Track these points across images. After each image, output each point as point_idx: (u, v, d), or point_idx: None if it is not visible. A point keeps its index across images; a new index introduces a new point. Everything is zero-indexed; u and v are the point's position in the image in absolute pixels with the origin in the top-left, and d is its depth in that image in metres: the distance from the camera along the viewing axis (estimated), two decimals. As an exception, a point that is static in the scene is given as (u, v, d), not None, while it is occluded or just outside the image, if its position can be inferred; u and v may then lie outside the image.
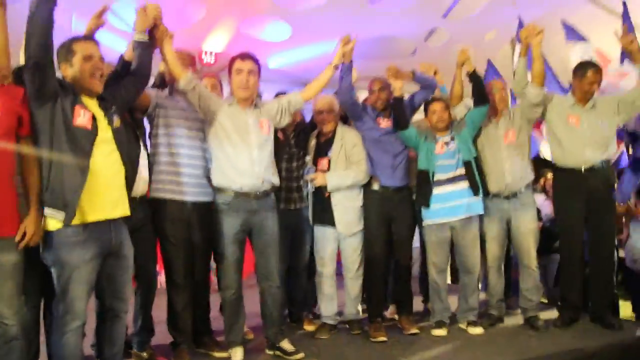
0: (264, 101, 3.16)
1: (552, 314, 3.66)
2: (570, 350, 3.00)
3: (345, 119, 3.68)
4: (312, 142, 3.54)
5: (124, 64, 2.65)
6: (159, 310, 3.29)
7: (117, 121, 2.37)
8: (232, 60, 2.96)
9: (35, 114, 2.18)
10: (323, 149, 3.45)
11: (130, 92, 2.56)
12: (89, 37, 2.40)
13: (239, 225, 2.88)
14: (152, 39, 2.63)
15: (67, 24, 4.79)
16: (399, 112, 3.36)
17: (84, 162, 2.18)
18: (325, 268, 3.42)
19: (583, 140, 3.38)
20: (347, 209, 3.36)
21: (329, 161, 3.38)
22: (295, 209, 3.49)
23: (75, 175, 2.16)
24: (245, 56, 2.95)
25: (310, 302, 3.83)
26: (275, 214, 3.04)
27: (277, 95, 3.72)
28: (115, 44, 5.24)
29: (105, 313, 2.42)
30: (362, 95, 3.75)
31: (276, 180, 3.04)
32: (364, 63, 3.85)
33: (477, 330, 3.38)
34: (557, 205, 3.59)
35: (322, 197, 3.36)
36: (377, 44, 5.71)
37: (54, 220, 2.17)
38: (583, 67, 3.48)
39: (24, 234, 2.11)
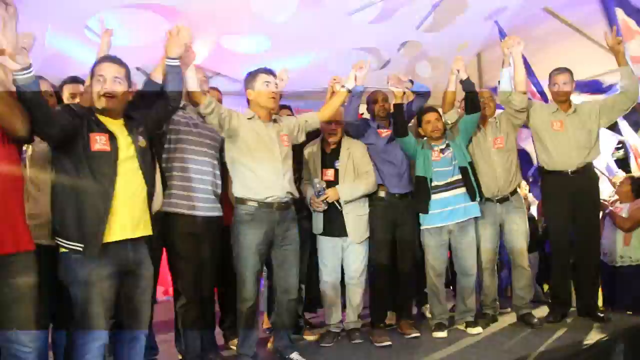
0: (282, 117, 3.20)
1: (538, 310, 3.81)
2: (573, 344, 3.15)
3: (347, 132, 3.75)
4: (312, 153, 3.56)
5: (150, 84, 2.62)
6: (162, 327, 3.24)
7: (142, 141, 2.37)
8: (255, 74, 2.99)
9: (57, 148, 2.22)
10: (329, 159, 3.49)
11: (162, 115, 2.60)
12: (106, 58, 2.38)
13: (262, 236, 2.87)
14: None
15: (41, 38, 4.63)
16: (399, 119, 3.46)
17: (107, 192, 2.17)
18: (330, 277, 3.46)
19: (568, 144, 3.58)
20: (358, 218, 3.42)
21: (336, 172, 3.43)
22: None
23: (97, 209, 2.15)
24: (270, 70, 3.01)
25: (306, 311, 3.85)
26: (296, 226, 3.06)
27: None
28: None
29: (123, 334, 2.36)
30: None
31: (297, 193, 3.09)
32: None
33: (476, 330, 3.48)
34: (546, 207, 3.78)
35: (330, 209, 3.39)
36: (352, 56, 5.77)
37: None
38: (550, 74, 3.75)
39: None
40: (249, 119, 2.96)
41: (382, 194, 3.51)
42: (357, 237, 3.42)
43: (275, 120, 3.06)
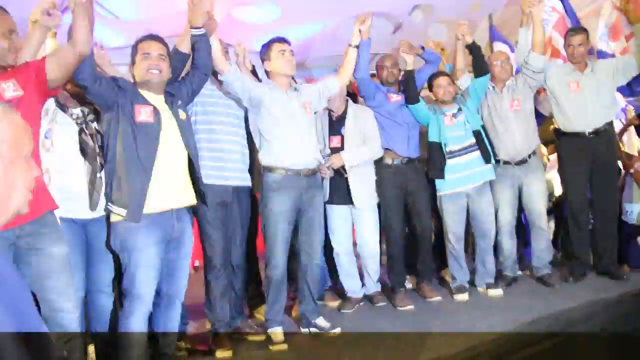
0: (302, 86, 3.21)
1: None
2: (591, 302, 3.21)
3: (353, 98, 3.74)
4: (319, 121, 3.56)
5: (179, 55, 2.67)
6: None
7: (182, 114, 2.46)
8: (270, 45, 3.01)
9: (104, 117, 2.35)
10: (335, 126, 3.50)
11: (196, 84, 2.65)
12: (150, 36, 2.45)
13: (290, 203, 2.92)
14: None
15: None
16: (410, 85, 3.45)
17: (149, 162, 2.27)
18: (342, 246, 3.50)
19: (585, 104, 3.55)
20: (362, 184, 3.43)
21: (342, 139, 3.44)
22: None
23: (140, 177, 2.27)
24: (283, 39, 3.03)
25: (330, 279, 3.91)
26: (322, 193, 3.12)
27: None
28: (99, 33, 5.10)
29: (160, 299, 2.46)
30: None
31: (322, 159, 3.13)
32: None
33: (497, 292, 3.54)
34: (564, 168, 3.77)
35: (337, 177, 3.40)
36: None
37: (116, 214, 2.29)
38: (565, 35, 3.72)
39: None
40: (270, 89, 2.99)
41: (388, 160, 3.52)
42: (363, 203, 3.41)
43: (296, 89, 3.08)
